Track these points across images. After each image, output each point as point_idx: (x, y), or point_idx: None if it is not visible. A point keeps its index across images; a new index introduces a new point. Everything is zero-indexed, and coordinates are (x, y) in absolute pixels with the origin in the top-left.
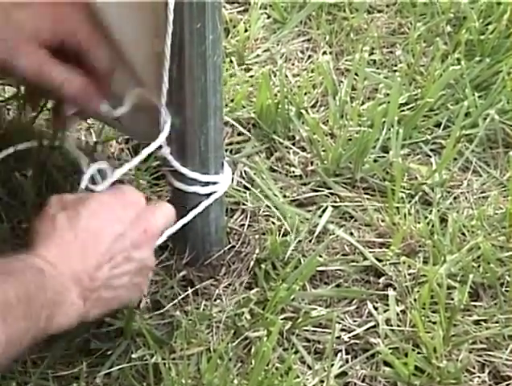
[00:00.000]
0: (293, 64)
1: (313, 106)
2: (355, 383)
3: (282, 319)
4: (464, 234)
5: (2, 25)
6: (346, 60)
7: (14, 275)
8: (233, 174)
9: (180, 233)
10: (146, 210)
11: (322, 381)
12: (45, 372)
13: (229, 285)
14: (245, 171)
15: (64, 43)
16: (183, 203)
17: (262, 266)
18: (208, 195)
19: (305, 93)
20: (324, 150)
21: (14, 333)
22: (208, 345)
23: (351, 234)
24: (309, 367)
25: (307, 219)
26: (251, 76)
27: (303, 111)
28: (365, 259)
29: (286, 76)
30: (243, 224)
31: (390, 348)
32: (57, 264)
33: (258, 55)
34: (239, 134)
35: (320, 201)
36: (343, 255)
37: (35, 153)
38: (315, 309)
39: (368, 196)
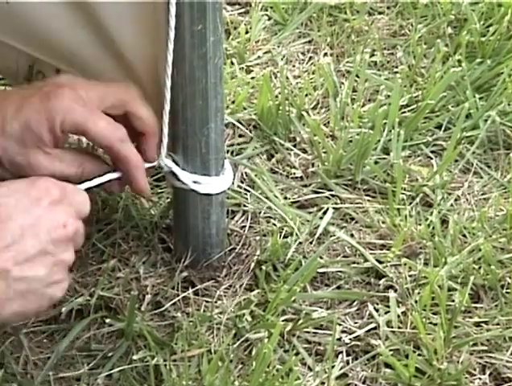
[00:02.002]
0: (294, 66)
1: (314, 108)
2: (356, 385)
3: (282, 321)
4: (464, 236)
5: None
6: (347, 62)
7: None
8: (234, 175)
9: (181, 235)
10: (62, 201)
11: (323, 383)
12: (47, 374)
13: (230, 286)
14: (246, 173)
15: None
16: (184, 205)
17: (263, 268)
18: (209, 197)
19: (306, 95)
20: (324, 152)
21: None
22: (209, 346)
23: (352, 235)
24: (310, 369)
25: (308, 221)
26: (252, 78)
27: (304, 113)
28: (366, 260)
29: (287, 78)
30: (244, 226)
31: (390, 350)
32: None
33: (258, 57)
34: (240, 136)
35: (321, 203)
36: (344, 256)
37: None
38: (316, 310)
39: (369, 198)
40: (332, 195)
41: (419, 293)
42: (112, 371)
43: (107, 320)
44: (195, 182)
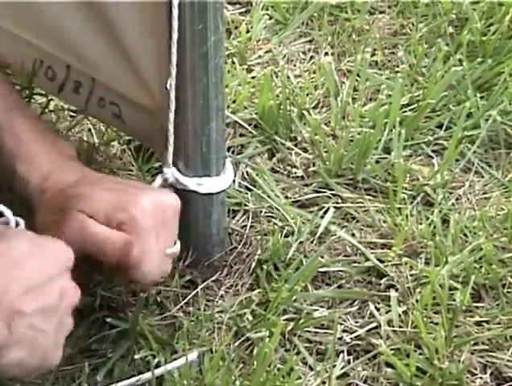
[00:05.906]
0: (295, 65)
1: (315, 107)
2: (357, 385)
3: (283, 320)
4: (465, 235)
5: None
6: (348, 61)
7: None
8: (235, 175)
9: (182, 234)
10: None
11: (324, 382)
12: (47, 374)
13: (231, 286)
14: (247, 172)
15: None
16: (185, 204)
17: (264, 267)
18: (210, 196)
19: (307, 94)
20: (325, 151)
21: None
22: (210, 346)
23: (353, 235)
24: (311, 368)
25: (309, 220)
26: (253, 77)
27: (305, 112)
28: (367, 260)
29: (288, 77)
30: (245, 225)
31: (391, 349)
32: None
33: (259, 56)
34: (241, 135)
35: (322, 202)
36: (345, 256)
37: None
38: (317, 310)
39: (370, 197)
40: (333, 195)
41: (420, 292)
42: (113, 371)
43: (108, 320)
44: (195, 182)
